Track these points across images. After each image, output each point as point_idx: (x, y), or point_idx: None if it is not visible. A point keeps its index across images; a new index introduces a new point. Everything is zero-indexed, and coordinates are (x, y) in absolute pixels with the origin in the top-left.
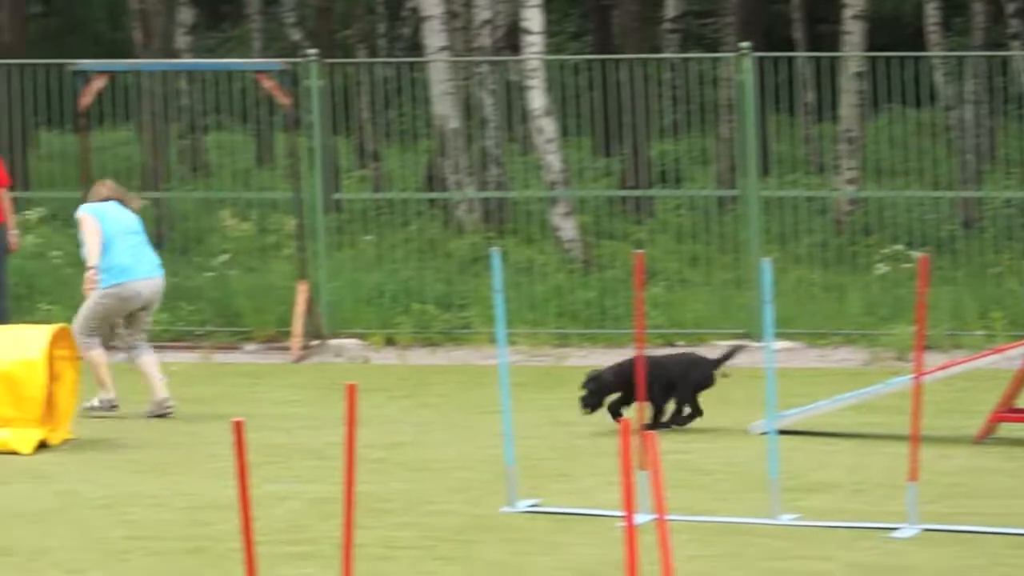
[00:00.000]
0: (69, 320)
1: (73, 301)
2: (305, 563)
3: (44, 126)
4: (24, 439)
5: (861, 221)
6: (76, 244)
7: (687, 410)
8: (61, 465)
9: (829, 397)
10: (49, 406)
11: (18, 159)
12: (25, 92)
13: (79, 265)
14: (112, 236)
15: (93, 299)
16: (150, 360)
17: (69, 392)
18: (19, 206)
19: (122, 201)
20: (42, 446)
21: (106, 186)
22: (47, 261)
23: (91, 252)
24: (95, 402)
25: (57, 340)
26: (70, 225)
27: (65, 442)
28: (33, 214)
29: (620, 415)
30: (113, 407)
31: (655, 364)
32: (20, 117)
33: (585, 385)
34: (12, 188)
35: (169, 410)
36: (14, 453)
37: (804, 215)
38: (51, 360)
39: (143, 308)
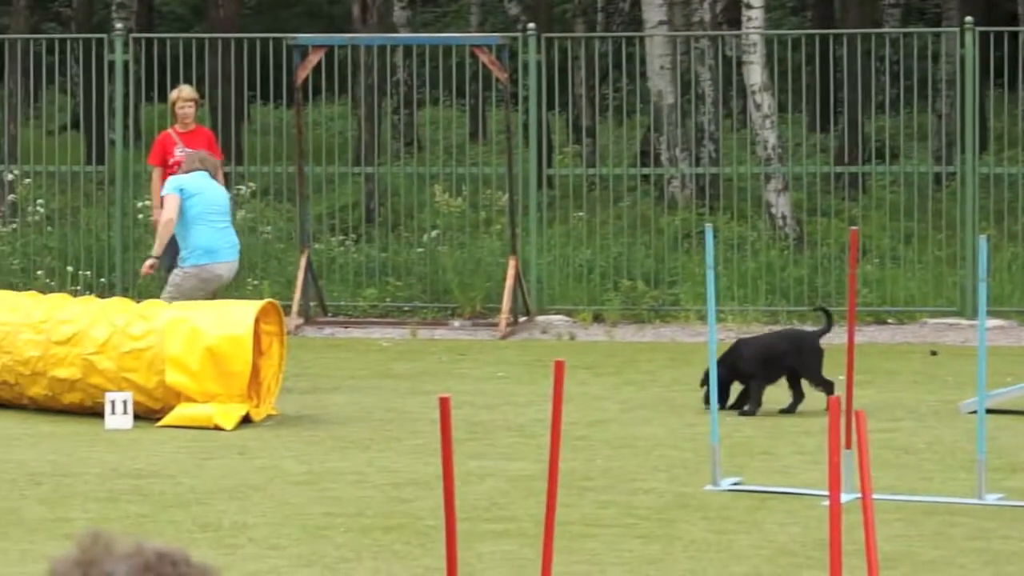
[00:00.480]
0: (278, 296)
1: (283, 277)
2: (505, 540)
3: (258, 100)
4: (228, 414)
5: None
6: (287, 219)
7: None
8: (263, 441)
9: None
10: (255, 381)
11: (231, 134)
12: (241, 66)
13: (289, 241)
14: (199, 215)
15: (176, 279)
16: None
17: (275, 368)
18: (232, 181)
19: (213, 173)
20: (245, 421)
21: (200, 155)
22: (257, 236)
23: (159, 242)
24: None
25: (264, 315)
26: (282, 200)
27: (268, 418)
28: (246, 189)
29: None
30: None
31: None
32: (235, 91)
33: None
34: (225, 163)
35: None
36: (218, 428)
37: (1021, 192)
38: (258, 335)
39: (217, 291)
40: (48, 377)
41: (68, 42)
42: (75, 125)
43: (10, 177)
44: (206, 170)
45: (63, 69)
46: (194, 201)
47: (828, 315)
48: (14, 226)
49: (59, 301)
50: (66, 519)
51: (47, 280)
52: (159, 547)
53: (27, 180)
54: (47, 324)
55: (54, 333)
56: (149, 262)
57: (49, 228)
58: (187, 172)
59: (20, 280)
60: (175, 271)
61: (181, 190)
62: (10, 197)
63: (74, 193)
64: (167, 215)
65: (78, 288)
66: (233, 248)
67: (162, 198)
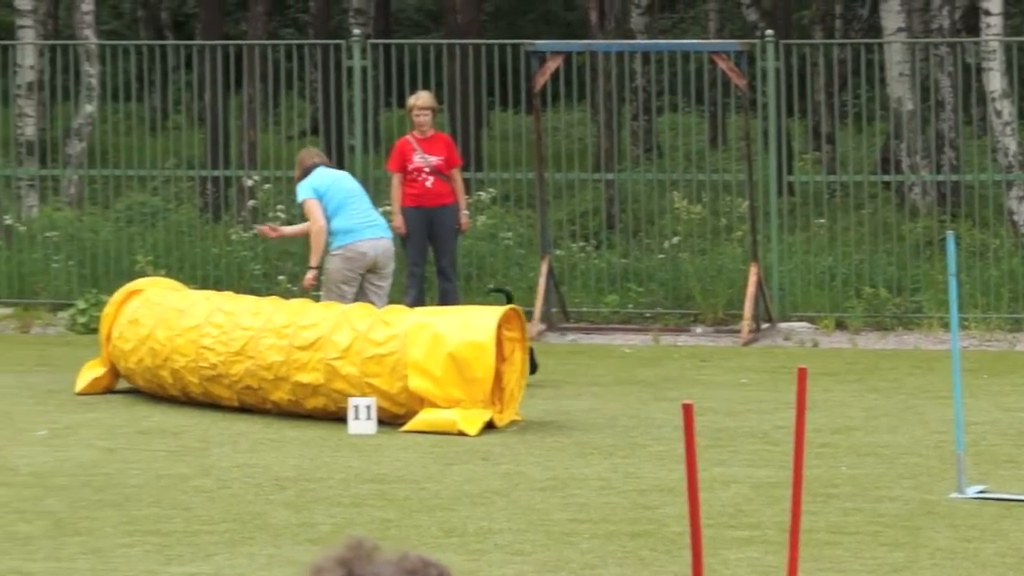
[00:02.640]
0: (519, 302)
1: (524, 283)
2: (750, 547)
3: (497, 106)
4: (471, 420)
5: None
6: (528, 225)
7: None
8: (507, 446)
9: None
10: (497, 387)
11: (470, 140)
12: (479, 72)
13: (530, 246)
14: (339, 203)
15: (327, 267)
16: None
17: (517, 373)
18: (471, 187)
19: (328, 164)
20: (489, 427)
21: (310, 153)
22: (498, 242)
23: (314, 252)
24: None
25: (507, 321)
26: (522, 206)
27: (512, 423)
28: (485, 195)
29: None
30: None
31: None
32: (474, 97)
33: None
34: (465, 168)
35: None
36: (461, 434)
37: None
38: (500, 341)
39: (372, 271)
40: (291, 382)
41: (306, 48)
42: (314, 131)
43: (250, 183)
44: (323, 162)
45: (301, 75)
46: (329, 196)
47: None
48: (254, 231)
49: (301, 306)
50: (311, 524)
51: (289, 285)
52: (424, 555)
53: (267, 186)
54: (289, 329)
55: (296, 338)
56: (310, 275)
57: None
58: (307, 171)
59: (262, 285)
60: (327, 262)
61: (315, 190)
62: (251, 203)
63: None
64: (317, 223)
65: (320, 293)
66: (374, 227)
67: (301, 207)
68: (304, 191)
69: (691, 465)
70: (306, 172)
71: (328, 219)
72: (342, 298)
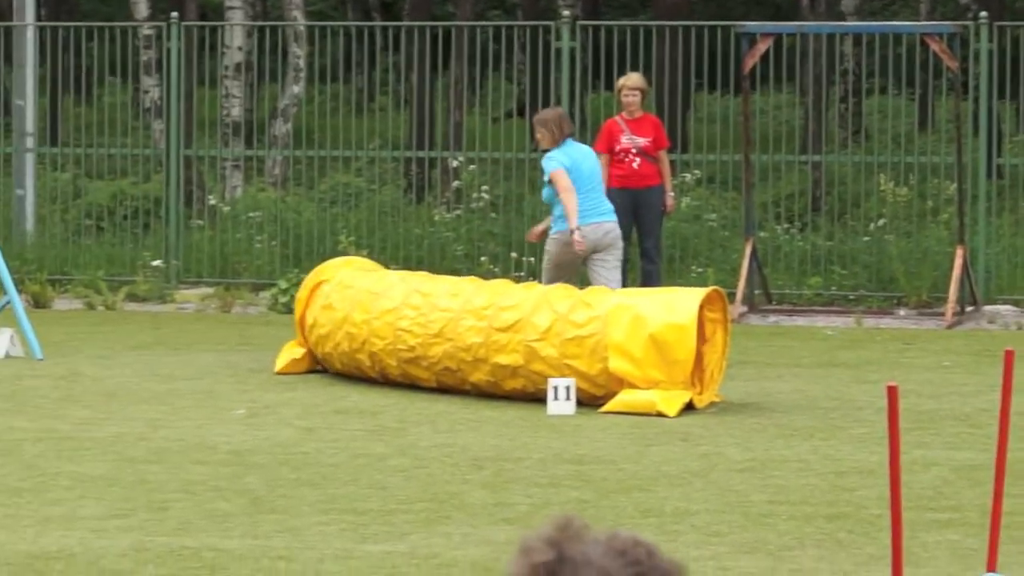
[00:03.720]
0: (722, 283)
1: (728, 265)
2: (949, 530)
3: (705, 88)
4: (671, 401)
5: None
6: (732, 207)
7: None
8: (706, 427)
9: None
10: (697, 368)
11: (677, 121)
12: (688, 54)
13: (734, 228)
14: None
15: (548, 247)
16: None
17: (718, 355)
18: (677, 168)
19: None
20: (688, 408)
21: (564, 119)
22: (702, 224)
23: (570, 215)
24: None
25: (709, 302)
26: (727, 188)
27: (711, 405)
28: (690, 177)
29: None
30: None
31: None
32: (682, 79)
33: None
34: (671, 150)
35: None
36: (660, 415)
37: None
38: (702, 323)
39: (595, 254)
40: (490, 363)
41: (515, 29)
42: (520, 112)
43: (455, 164)
44: (572, 135)
45: (508, 56)
46: (573, 175)
47: None
48: (459, 212)
49: (501, 287)
50: (508, 504)
51: (491, 266)
52: (635, 535)
53: (472, 167)
54: (489, 311)
55: (496, 320)
56: (577, 237)
57: (493, 215)
58: (560, 139)
59: (464, 266)
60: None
61: (561, 164)
62: (455, 183)
63: (519, 180)
64: (564, 185)
65: (521, 274)
66: (601, 211)
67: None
68: (556, 163)
69: (894, 447)
70: (559, 139)
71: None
72: (556, 280)
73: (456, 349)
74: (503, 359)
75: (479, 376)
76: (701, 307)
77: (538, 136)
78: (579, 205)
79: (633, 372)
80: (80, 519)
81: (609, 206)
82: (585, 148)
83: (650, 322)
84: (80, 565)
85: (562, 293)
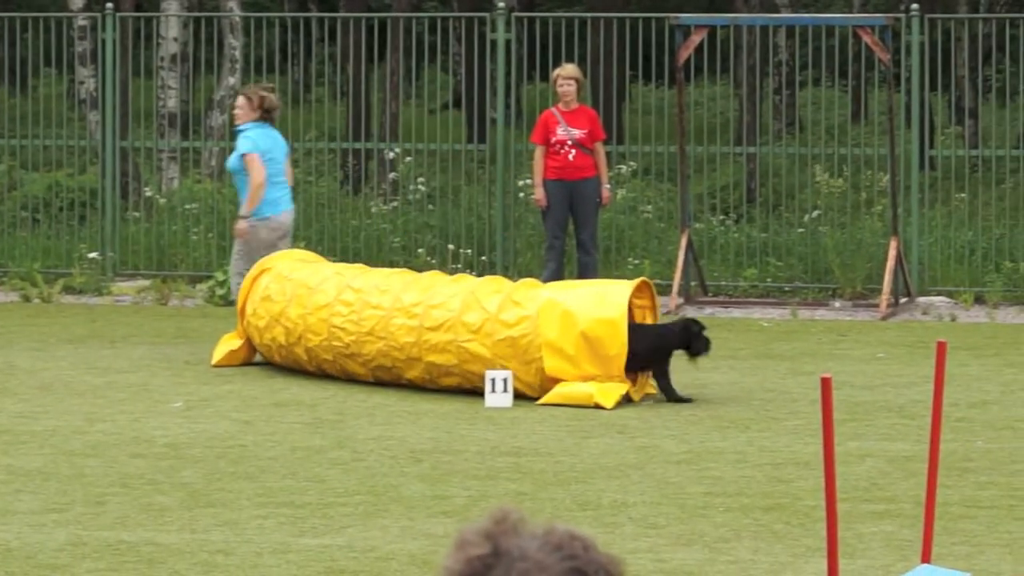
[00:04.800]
0: (658, 275)
1: (664, 256)
2: (884, 521)
3: (640, 80)
4: (608, 393)
5: None
6: (668, 199)
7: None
8: (643, 420)
9: None
10: None
11: (613, 113)
12: (622, 46)
13: (670, 220)
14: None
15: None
16: None
17: None
18: (612, 160)
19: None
20: (625, 400)
21: (268, 98)
22: (638, 216)
23: (252, 202)
24: None
25: (637, 291)
26: (663, 180)
27: (647, 396)
28: (626, 168)
29: None
30: None
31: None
32: (617, 71)
33: None
34: (607, 142)
35: None
36: (597, 407)
37: None
38: (631, 311)
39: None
40: (424, 362)
41: (450, 21)
42: (456, 104)
43: (391, 155)
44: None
45: (444, 48)
46: (267, 160)
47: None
48: (395, 204)
49: (431, 281)
50: (445, 496)
51: (428, 258)
52: (571, 529)
53: (408, 159)
54: (419, 309)
55: (427, 319)
56: (242, 225)
57: (430, 206)
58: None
59: (401, 257)
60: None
61: (256, 146)
62: (392, 175)
63: (455, 171)
64: (258, 178)
65: (458, 266)
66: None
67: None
68: (247, 143)
69: (828, 438)
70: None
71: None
72: (250, 265)
73: (389, 348)
74: (436, 359)
75: (414, 374)
76: (629, 299)
77: (238, 108)
78: (274, 194)
79: (568, 370)
80: (16, 513)
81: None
82: (277, 135)
83: (580, 318)
84: (17, 559)
85: (490, 288)
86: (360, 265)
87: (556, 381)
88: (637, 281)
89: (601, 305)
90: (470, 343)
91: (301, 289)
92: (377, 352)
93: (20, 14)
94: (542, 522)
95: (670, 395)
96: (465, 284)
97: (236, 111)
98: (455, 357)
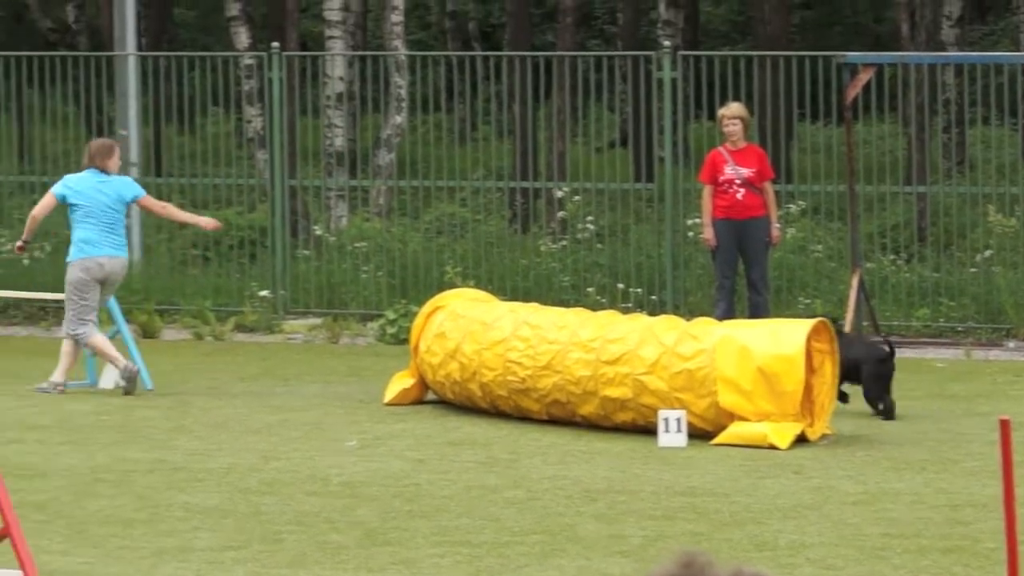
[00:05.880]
0: (829, 314)
1: (835, 296)
2: None
3: (808, 118)
4: (782, 433)
5: None
6: (838, 238)
7: None
8: (818, 460)
9: None
10: (808, 399)
11: (780, 152)
12: (788, 84)
13: (841, 260)
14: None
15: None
16: None
17: (828, 386)
18: (782, 199)
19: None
20: (800, 440)
21: (100, 149)
22: (808, 255)
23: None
24: None
25: (816, 333)
26: (832, 219)
27: (823, 437)
28: (795, 207)
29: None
30: None
31: None
32: (783, 109)
33: None
34: (775, 181)
35: None
36: (772, 447)
37: None
38: (810, 354)
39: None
40: (600, 396)
41: (616, 60)
42: (623, 142)
43: (559, 194)
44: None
45: (610, 87)
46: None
47: None
48: (564, 243)
49: (608, 319)
50: (621, 536)
51: (598, 297)
52: (758, 570)
53: (576, 197)
54: (596, 343)
55: (603, 353)
56: (19, 243)
57: (599, 245)
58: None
59: (571, 296)
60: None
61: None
62: (560, 214)
63: (623, 210)
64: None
65: (628, 305)
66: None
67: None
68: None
69: (1008, 480)
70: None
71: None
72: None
73: (565, 382)
74: (612, 392)
75: (589, 409)
76: (808, 338)
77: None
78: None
79: (743, 405)
80: (195, 551)
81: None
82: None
83: (757, 354)
84: None
85: (667, 325)
86: (534, 304)
87: (731, 415)
88: (816, 321)
89: (779, 342)
90: (646, 376)
91: (476, 325)
92: (553, 386)
93: (187, 53)
94: (728, 564)
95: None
96: (641, 321)
97: None
98: (631, 391)
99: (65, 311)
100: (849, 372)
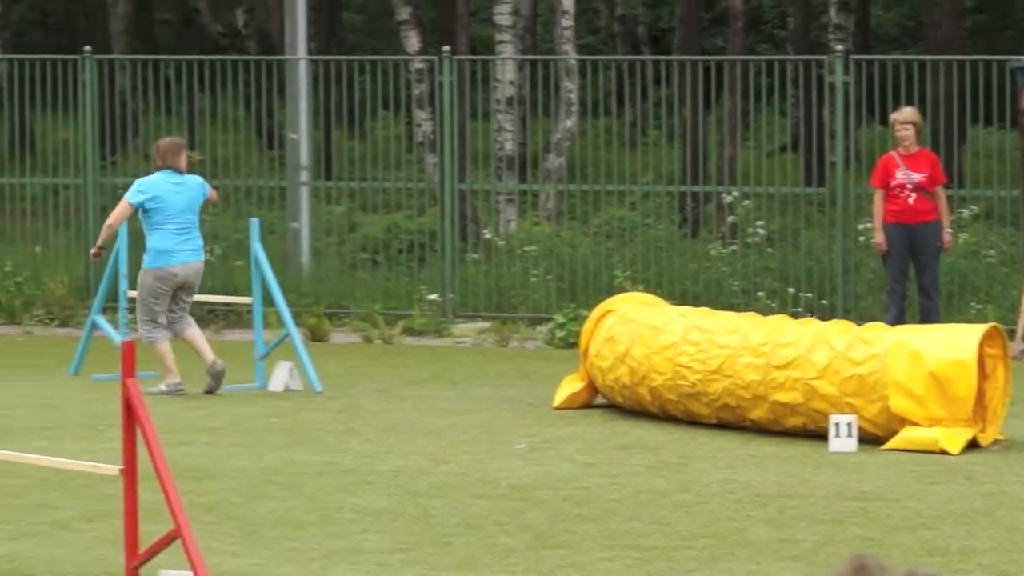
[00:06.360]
0: (1002, 320)
1: (1007, 301)
2: None
3: (981, 122)
4: (953, 438)
5: None
6: (1010, 243)
7: None
8: (990, 465)
9: None
10: (980, 405)
11: (953, 156)
12: (961, 88)
13: (1013, 265)
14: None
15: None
16: None
17: (1000, 392)
18: (953, 204)
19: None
20: (971, 446)
21: (168, 148)
22: (980, 260)
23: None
24: None
25: (988, 339)
26: (1005, 224)
27: (995, 443)
28: (967, 212)
29: None
30: None
31: None
32: (956, 114)
33: None
34: (947, 186)
35: None
36: (943, 452)
37: None
38: (982, 359)
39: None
40: (769, 401)
41: (787, 64)
42: (793, 147)
43: (729, 199)
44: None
45: (781, 90)
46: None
47: None
48: (734, 247)
49: (778, 324)
50: (792, 541)
51: (768, 301)
52: (930, 571)
53: (746, 202)
54: (766, 348)
55: (774, 357)
56: (94, 251)
57: (769, 249)
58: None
59: (741, 301)
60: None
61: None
62: (730, 218)
63: (794, 214)
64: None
65: (799, 310)
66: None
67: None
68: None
69: None
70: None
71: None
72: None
73: (735, 386)
74: (782, 397)
75: (758, 413)
76: (981, 343)
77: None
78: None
79: (915, 410)
80: (365, 553)
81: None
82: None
83: (929, 359)
84: None
85: (838, 329)
86: (704, 308)
87: (902, 420)
88: (988, 326)
89: (951, 347)
90: (817, 381)
91: (645, 329)
92: (723, 391)
93: (357, 57)
94: (900, 567)
95: None
96: (812, 325)
97: None
98: (801, 395)
99: (138, 315)
100: None
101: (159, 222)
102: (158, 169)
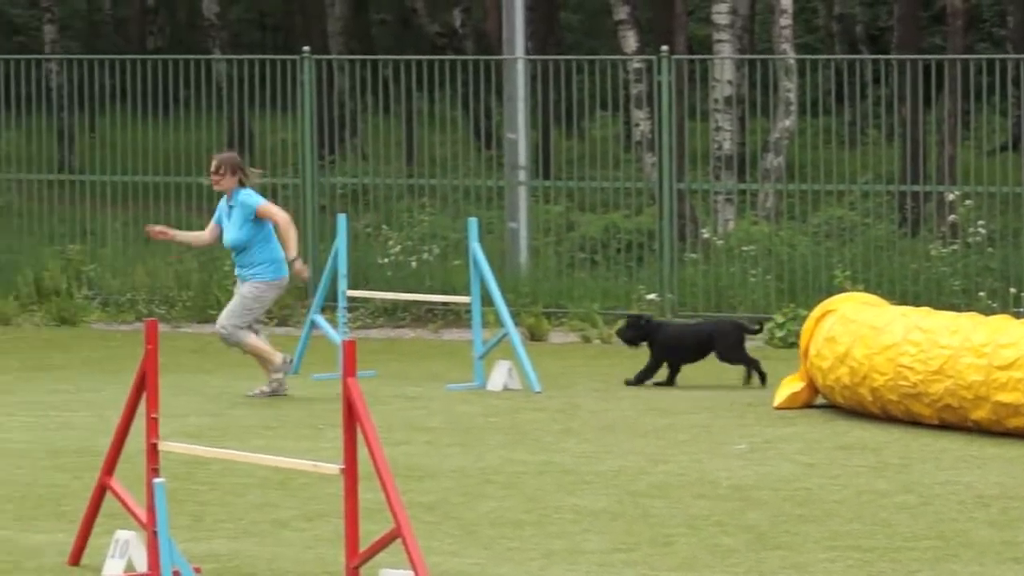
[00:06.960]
0: None
1: None
2: None
3: None
4: None
5: None
6: None
7: None
8: None
9: None
10: None
11: None
12: None
13: None
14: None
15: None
16: None
17: None
18: None
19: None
20: None
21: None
22: None
23: (294, 242)
24: None
25: None
26: None
27: None
28: None
29: None
30: None
31: None
32: None
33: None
34: None
35: None
36: None
37: None
38: None
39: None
40: (991, 401)
41: (1007, 63)
42: (1014, 146)
43: (951, 198)
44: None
45: (1002, 90)
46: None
47: None
48: (955, 247)
49: (1000, 324)
50: (1015, 542)
51: (989, 301)
52: None
53: (968, 201)
54: (988, 348)
55: (996, 357)
56: (300, 264)
57: (990, 249)
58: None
59: (961, 301)
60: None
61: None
62: (951, 217)
63: (1015, 214)
64: (283, 215)
65: (1021, 310)
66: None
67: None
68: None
69: None
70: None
71: (259, 244)
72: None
73: (957, 387)
74: (1005, 397)
75: (980, 414)
76: None
77: (220, 177)
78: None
79: None
80: (584, 553)
81: None
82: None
83: None
84: None
85: None
86: (926, 308)
87: None
88: None
89: None
90: None
91: (866, 330)
92: (944, 391)
93: (575, 57)
94: None
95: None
96: None
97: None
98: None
99: (238, 315)
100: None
101: (270, 235)
102: (240, 185)
